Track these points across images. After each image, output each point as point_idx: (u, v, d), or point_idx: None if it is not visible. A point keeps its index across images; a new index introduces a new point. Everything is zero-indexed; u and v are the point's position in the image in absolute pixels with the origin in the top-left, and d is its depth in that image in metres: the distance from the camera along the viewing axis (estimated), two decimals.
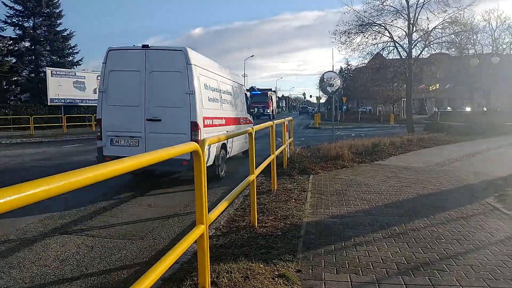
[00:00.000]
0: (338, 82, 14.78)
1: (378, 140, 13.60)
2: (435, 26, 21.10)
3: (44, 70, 30.98)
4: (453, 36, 23.08)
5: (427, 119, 37.27)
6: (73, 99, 29.55)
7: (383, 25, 21.24)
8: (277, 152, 7.52)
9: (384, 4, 20.93)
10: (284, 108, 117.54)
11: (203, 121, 7.97)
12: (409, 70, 21.70)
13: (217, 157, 8.82)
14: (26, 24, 34.60)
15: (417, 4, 20.77)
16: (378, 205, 6.15)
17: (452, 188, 7.49)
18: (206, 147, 3.11)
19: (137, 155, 2.21)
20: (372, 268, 3.74)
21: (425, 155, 12.50)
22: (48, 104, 28.38)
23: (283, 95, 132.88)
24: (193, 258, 3.94)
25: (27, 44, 34.84)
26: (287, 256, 3.99)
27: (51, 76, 28.06)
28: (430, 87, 52.04)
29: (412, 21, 20.94)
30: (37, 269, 4.11)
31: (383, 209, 5.93)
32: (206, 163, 8.21)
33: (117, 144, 8.10)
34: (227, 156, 9.94)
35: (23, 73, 34.82)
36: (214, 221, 4.23)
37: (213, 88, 9.16)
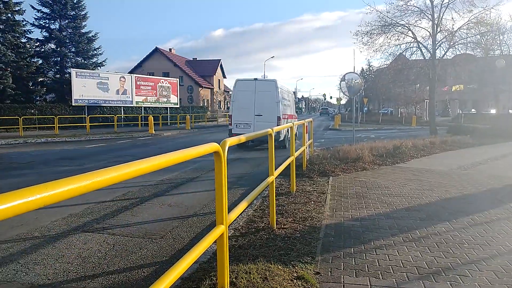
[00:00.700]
0: (359, 83, 14.64)
1: (399, 142, 13.40)
2: (460, 27, 20.69)
3: (69, 71, 31.75)
4: (478, 36, 22.54)
5: (451, 121, 36.50)
6: (96, 99, 30.15)
7: (407, 25, 20.94)
8: (296, 154, 7.50)
9: (408, 4, 20.64)
10: (303, 109, 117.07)
11: (282, 116, 15.45)
12: (433, 71, 21.31)
13: (286, 136, 16.25)
14: (52, 26, 35.70)
15: (441, 4, 20.41)
16: (399, 208, 6.06)
17: (476, 192, 7.32)
18: (226, 145, 3.14)
19: (169, 154, 2.35)
20: (392, 272, 3.69)
21: (448, 158, 12.25)
22: (73, 104, 29.04)
23: (302, 96, 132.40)
24: (212, 258, 3.97)
25: (53, 45, 35.89)
26: (306, 258, 3.98)
27: (76, 77, 28.72)
28: (454, 88, 50.91)
29: (436, 22, 20.58)
30: (60, 266, 4.22)
31: (404, 212, 5.85)
32: (279, 139, 15.48)
33: (239, 127, 15.38)
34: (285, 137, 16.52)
35: (49, 74, 35.83)
36: (233, 221, 4.27)
37: (284, 99, 16.44)
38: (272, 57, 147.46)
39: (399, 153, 12.20)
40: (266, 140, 5.83)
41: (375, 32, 20.92)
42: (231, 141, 3.34)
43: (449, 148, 14.77)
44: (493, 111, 42.32)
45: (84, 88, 29.07)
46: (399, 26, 20.88)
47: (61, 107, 30.09)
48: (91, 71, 32.39)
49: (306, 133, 10.40)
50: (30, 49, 32.96)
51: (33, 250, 4.69)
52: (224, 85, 69.20)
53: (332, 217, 5.56)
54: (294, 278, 3.51)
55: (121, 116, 32.32)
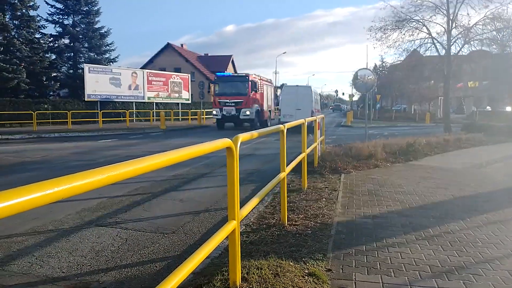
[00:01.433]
0: (372, 80, 14.50)
1: (413, 140, 13.25)
2: (476, 22, 20.28)
3: (82, 66, 32.08)
4: (494, 32, 22.09)
5: (465, 119, 35.95)
6: (109, 95, 30.41)
7: (421, 21, 20.62)
8: (308, 150, 7.47)
9: None
10: None
11: (314, 110, 23.05)
12: (448, 67, 20.98)
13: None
14: (66, 22, 36.11)
15: (457, 0, 20.05)
16: (412, 207, 6.00)
17: (491, 191, 7.21)
18: (239, 141, 3.14)
19: (182, 149, 2.40)
20: (404, 270, 3.66)
21: (462, 156, 12.08)
22: (85, 99, 29.33)
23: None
24: (224, 254, 3.99)
25: (66, 41, 36.29)
26: (318, 255, 3.97)
27: (89, 73, 28.98)
28: (470, 84, 50.05)
29: (451, 17, 20.22)
30: (73, 259, 4.27)
31: (417, 210, 5.79)
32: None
33: (285, 117, 22.58)
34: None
35: (62, 69, 36.28)
36: (244, 217, 4.27)
37: (316, 99, 25.61)
38: (283, 53, 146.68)
39: (412, 150, 12.06)
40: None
41: (389, 27, 20.65)
42: (243, 136, 3.34)
43: (463, 146, 14.56)
44: (508, 108, 41.55)
45: (96, 83, 29.33)
46: (413, 21, 20.57)
47: (74, 102, 30.44)
48: (104, 66, 32.68)
49: (318, 129, 10.35)
50: (44, 45, 33.41)
51: (48, 243, 4.76)
52: None
53: (343, 214, 5.53)
54: (306, 275, 3.50)
55: (133, 112, 32.55)
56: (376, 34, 20.81)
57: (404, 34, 20.70)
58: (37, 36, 33.12)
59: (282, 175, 4.88)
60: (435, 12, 20.37)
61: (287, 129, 5.05)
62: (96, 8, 36.79)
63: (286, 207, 5.12)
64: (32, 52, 30.77)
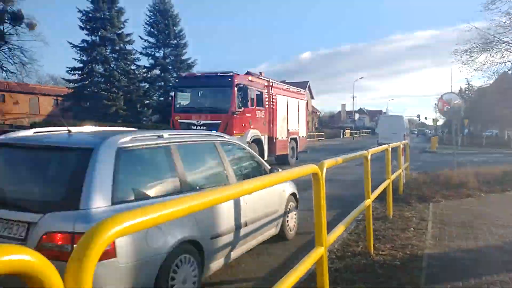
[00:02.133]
0: (459, 104, 13.63)
1: (510, 168, 12.12)
2: None
3: (171, 93, 34.56)
4: None
5: None
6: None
7: None
8: (393, 177, 7.21)
9: None
10: None
11: (405, 134, 26.88)
12: None
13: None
14: (157, 54, 39.30)
15: None
16: None
17: None
18: (324, 167, 3.17)
19: (268, 176, 2.48)
20: None
21: None
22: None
23: None
24: (308, 279, 3.97)
25: (157, 71, 39.42)
26: None
27: None
28: None
29: None
30: None
31: None
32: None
33: (382, 139, 24.45)
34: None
35: (154, 97, 39.33)
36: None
37: (406, 126, 30.68)
38: (361, 78, 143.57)
39: (509, 180, 11.01)
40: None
41: (475, 50, 19.33)
42: (328, 162, 3.37)
43: None
44: None
45: None
46: (502, 43, 19.10)
47: (164, 127, 32.68)
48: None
49: (402, 155, 9.94)
50: (138, 75, 36.63)
51: None
52: (312, 106, 69.14)
53: (435, 246, 5.21)
54: None
55: None
56: (461, 57, 19.61)
57: (493, 56, 19.26)
58: (133, 67, 36.55)
59: (367, 202, 4.78)
60: None
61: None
62: (183, 41, 39.74)
63: (372, 236, 4.97)
64: (128, 82, 33.97)
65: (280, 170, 4.93)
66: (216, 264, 4.01)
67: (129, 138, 3.44)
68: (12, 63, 29.43)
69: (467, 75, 29.26)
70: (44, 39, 32.97)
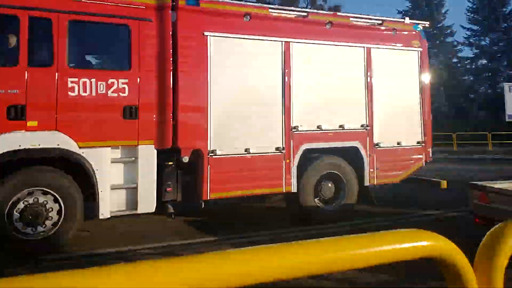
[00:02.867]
0: None
1: None
2: None
3: (501, 85, 30.29)
4: None
5: None
6: None
7: None
8: None
9: None
10: None
11: None
12: None
13: None
14: (482, 43, 35.42)
15: None
16: None
17: None
18: None
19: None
20: None
21: None
22: (506, 120, 27.28)
23: None
24: None
25: (483, 61, 35.56)
26: None
27: (509, 92, 26.85)
28: None
29: None
30: None
31: None
32: None
33: None
34: None
35: (480, 90, 35.71)
36: None
37: None
38: None
39: None
40: None
41: None
42: None
43: None
44: None
45: None
46: None
47: (494, 122, 29.19)
48: None
49: None
50: (460, 68, 34.17)
51: None
52: None
53: None
54: None
55: None
56: None
57: None
58: (454, 60, 34.38)
59: None
60: None
61: None
62: None
63: None
64: (450, 77, 32.21)
65: None
66: None
67: None
68: None
69: None
70: None
